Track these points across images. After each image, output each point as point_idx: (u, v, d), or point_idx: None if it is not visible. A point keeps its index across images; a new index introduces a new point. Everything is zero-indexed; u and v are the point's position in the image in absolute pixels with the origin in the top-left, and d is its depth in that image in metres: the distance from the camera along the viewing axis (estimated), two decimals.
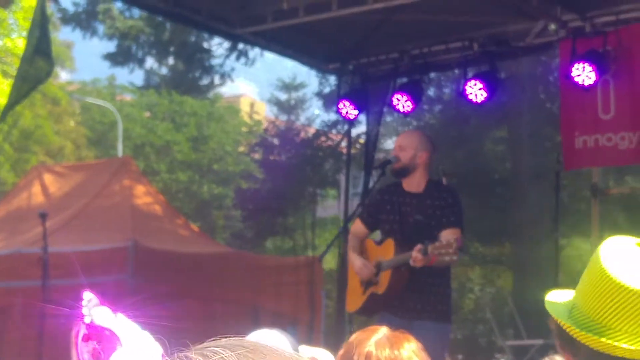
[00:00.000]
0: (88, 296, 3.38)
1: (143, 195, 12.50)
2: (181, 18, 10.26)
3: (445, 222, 6.79)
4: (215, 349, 0.92)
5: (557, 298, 2.39)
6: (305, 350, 2.04)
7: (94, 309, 3.36)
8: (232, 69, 22.04)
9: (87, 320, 3.35)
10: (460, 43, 9.62)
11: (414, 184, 7.09)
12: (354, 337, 3.13)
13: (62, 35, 30.35)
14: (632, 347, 2.14)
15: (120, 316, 3.40)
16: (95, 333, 3.35)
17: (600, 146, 8.85)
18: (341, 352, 3.08)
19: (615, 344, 2.15)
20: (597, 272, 2.22)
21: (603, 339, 2.17)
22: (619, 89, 8.65)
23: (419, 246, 6.48)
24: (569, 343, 2.26)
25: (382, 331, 3.09)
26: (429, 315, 6.90)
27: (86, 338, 3.33)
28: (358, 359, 2.97)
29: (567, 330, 2.23)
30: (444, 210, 6.92)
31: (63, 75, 35.42)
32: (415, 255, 6.48)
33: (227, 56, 21.83)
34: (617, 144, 8.73)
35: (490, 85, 9.04)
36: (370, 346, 2.99)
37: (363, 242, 7.38)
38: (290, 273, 12.06)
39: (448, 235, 6.56)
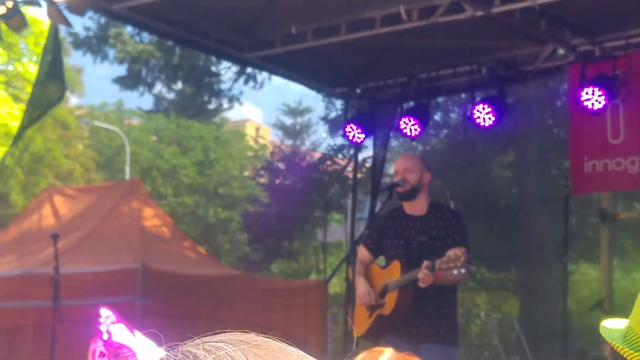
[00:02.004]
0: (105, 313, 3.41)
1: (151, 218, 12.56)
2: (190, 42, 10.32)
3: (451, 242, 6.80)
4: (218, 344, 0.90)
5: (611, 324, 2.30)
6: None
7: (111, 326, 3.40)
8: (241, 93, 22.13)
9: (104, 337, 3.38)
10: (469, 67, 9.64)
11: (418, 207, 7.12)
12: (359, 357, 3.10)
13: (73, 59, 30.49)
14: None
15: (137, 334, 3.43)
16: (112, 350, 3.38)
17: (609, 171, 8.85)
18: None
19: None
20: None
21: None
22: (629, 113, 8.66)
23: (426, 263, 6.50)
24: None
25: (388, 352, 3.06)
26: (436, 339, 6.89)
27: (102, 355, 3.36)
28: None
29: (622, 352, 2.14)
30: (449, 231, 6.95)
31: (72, 100, 35.57)
32: (424, 272, 6.50)
33: (236, 80, 21.92)
34: (626, 168, 8.73)
35: (498, 109, 9.05)
36: None
37: (368, 268, 7.39)
38: (300, 295, 12.05)
39: (455, 251, 6.57)
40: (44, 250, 10.78)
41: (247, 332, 0.96)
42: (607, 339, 2.23)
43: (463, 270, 6.36)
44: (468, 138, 18.06)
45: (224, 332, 0.95)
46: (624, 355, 2.15)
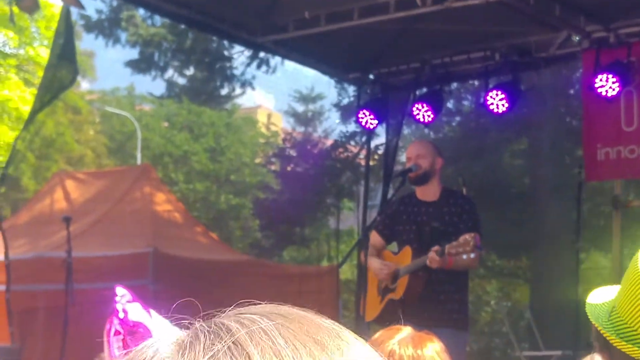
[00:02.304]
0: (121, 292, 3.40)
1: (163, 203, 12.57)
2: (204, 26, 10.31)
3: (463, 227, 6.79)
4: (254, 316, 0.87)
5: (598, 298, 2.32)
6: None
7: (127, 305, 3.39)
8: (253, 77, 22.11)
9: (120, 315, 3.37)
10: (482, 53, 9.62)
11: (430, 192, 7.12)
12: (377, 335, 3.11)
13: (85, 43, 30.48)
14: None
15: (153, 312, 3.43)
16: (128, 328, 3.38)
17: (622, 158, 8.82)
18: None
19: None
20: (634, 277, 2.14)
21: (636, 348, 2.10)
22: None
23: (436, 247, 6.51)
24: (605, 347, 2.20)
25: (406, 330, 3.08)
26: (447, 323, 6.88)
27: (118, 333, 3.35)
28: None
29: (605, 336, 2.16)
30: (461, 217, 6.95)
31: (84, 84, 35.61)
32: (432, 256, 6.50)
33: (249, 64, 21.89)
34: (639, 156, 8.70)
35: (512, 96, 9.03)
36: (393, 344, 2.97)
37: (381, 254, 7.40)
38: (313, 281, 12.07)
39: (465, 236, 6.55)
40: (56, 234, 10.81)
41: (284, 305, 0.93)
42: (591, 318, 2.22)
43: (472, 255, 6.35)
44: (481, 125, 18.01)
45: (262, 304, 0.93)
46: (612, 344, 2.14)
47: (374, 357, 0.91)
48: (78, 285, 9.35)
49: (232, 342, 0.82)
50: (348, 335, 0.91)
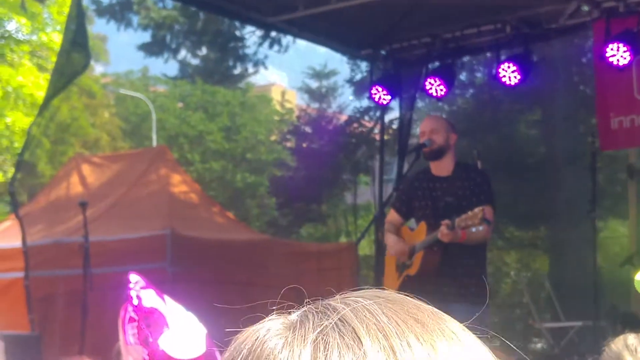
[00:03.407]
0: (134, 278, 3.44)
1: (179, 184, 12.61)
2: (214, 7, 10.33)
3: (476, 200, 6.79)
4: (357, 298, 0.93)
5: None
6: None
7: (141, 291, 3.43)
8: (266, 57, 22.11)
9: (134, 302, 3.41)
10: (493, 26, 9.61)
11: (444, 167, 7.14)
12: None
13: (97, 27, 30.58)
14: None
15: (167, 298, 3.46)
16: (143, 314, 3.42)
17: (636, 126, 8.83)
18: None
19: None
20: None
21: None
22: None
23: (446, 221, 6.53)
24: None
25: None
26: (465, 298, 6.90)
27: (132, 320, 3.40)
28: None
29: None
30: (474, 190, 6.96)
31: (97, 68, 35.68)
32: (442, 229, 6.53)
33: (260, 44, 21.88)
34: None
35: (524, 67, 9.03)
36: None
37: (399, 230, 7.43)
38: (332, 258, 12.11)
39: (475, 209, 6.56)
40: (73, 219, 10.87)
41: (385, 289, 0.98)
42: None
43: (481, 228, 6.37)
44: (494, 97, 17.97)
45: (363, 289, 0.98)
46: None
47: (478, 346, 0.95)
48: (96, 269, 9.40)
49: (339, 319, 0.88)
50: (451, 321, 0.95)
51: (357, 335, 0.86)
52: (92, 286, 9.08)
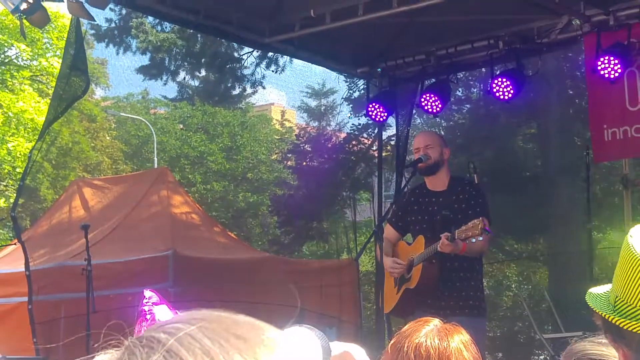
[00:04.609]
0: (149, 294, 3.53)
1: (181, 205, 12.68)
2: (212, 29, 10.43)
3: (472, 213, 6.86)
4: (177, 324, 0.93)
5: (597, 292, 2.33)
6: (338, 345, 2.07)
7: (154, 307, 3.51)
8: (263, 77, 22.21)
9: (148, 317, 3.49)
10: (486, 41, 9.71)
11: (439, 182, 7.25)
12: (406, 327, 3.14)
13: (96, 52, 30.68)
14: None
15: (180, 313, 3.55)
16: None
17: (629, 137, 8.92)
18: (392, 341, 3.09)
19: None
20: (628, 258, 2.17)
21: None
22: None
23: (445, 234, 6.61)
24: (619, 336, 2.20)
25: (434, 322, 3.14)
26: (462, 311, 6.97)
27: None
28: (408, 349, 2.99)
29: (615, 322, 2.16)
30: (469, 203, 7.05)
31: (98, 92, 35.82)
32: (443, 240, 6.60)
33: (258, 64, 21.99)
34: None
35: (517, 82, 9.14)
36: (421, 337, 3.02)
37: (395, 245, 7.52)
38: (333, 275, 12.15)
39: (474, 220, 6.63)
40: (76, 242, 10.93)
41: (200, 310, 1.00)
42: (596, 309, 2.24)
43: (481, 238, 6.44)
44: (490, 112, 18.08)
45: (177, 315, 1.00)
46: (619, 325, 2.15)
47: (294, 349, 0.99)
48: (100, 292, 9.47)
49: (166, 351, 0.90)
50: (270, 329, 1.00)
51: None
52: (95, 309, 9.13)
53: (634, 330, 2.13)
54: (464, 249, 6.66)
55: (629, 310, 2.16)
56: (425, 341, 3.01)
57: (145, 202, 12.31)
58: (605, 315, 2.19)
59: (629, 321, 2.14)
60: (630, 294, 2.16)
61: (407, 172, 8.38)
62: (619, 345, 2.23)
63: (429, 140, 7.36)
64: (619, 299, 2.20)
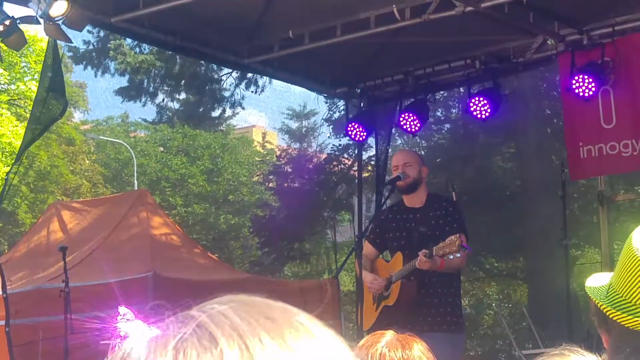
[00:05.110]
0: (123, 311, 3.55)
1: (160, 226, 12.64)
2: (190, 51, 10.46)
3: (449, 230, 6.91)
4: (212, 304, 0.99)
5: (597, 281, 2.50)
6: None
7: (128, 323, 3.52)
8: (243, 97, 22.27)
9: (122, 334, 3.51)
10: (463, 61, 9.80)
11: (417, 199, 7.29)
12: (363, 341, 3.20)
13: (74, 75, 30.69)
14: None
15: (155, 330, 3.58)
16: None
17: (604, 155, 9.01)
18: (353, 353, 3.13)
19: None
20: (628, 254, 2.32)
21: (631, 316, 2.27)
22: (619, 98, 8.83)
23: (424, 250, 6.65)
24: (604, 321, 2.37)
25: (390, 334, 3.19)
26: (441, 327, 7.01)
27: None
28: (373, 359, 3.03)
29: (602, 308, 2.34)
30: (447, 220, 7.10)
31: (77, 115, 35.77)
32: (421, 257, 6.64)
33: (237, 85, 22.05)
34: (620, 151, 8.89)
35: (494, 101, 9.22)
36: (382, 348, 3.06)
37: (374, 262, 7.55)
38: (314, 294, 12.14)
39: (451, 237, 6.68)
40: (54, 265, 10.86)
41: (236, 294, 1.05)
42: (590, 295, 2.40)
43: (459, 255, 6.48)
44: (469, 132, 18.19)
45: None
46: (606, 313, 2.33)
47: (324, 338, 1.03)
48: (78, 315, 9.42)
49: (196, 325, 0.96)
50: (301, 314, 1.03)
51: (214, 337, 0.94)
52: (73, 331, 9.08)
53: (617, 320, 2.31)
54: (442, 265, 6.70)
55: (619, 301, 2.32)
56: (389, 351, 3.06)
57: (125, 223, 12.27)
58: (596, 301, 2.37)
59: (614, 311, 2.31)
60: (623, 285, 2.32)
61: (386, 190, 8.43)
62: (602, 331, 2.42)
63: (407, 158, 7.41)
64: (613, 289, 2.37)
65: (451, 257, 6.48)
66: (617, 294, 2.34)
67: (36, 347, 10.58)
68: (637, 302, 2.30)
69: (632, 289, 2.30)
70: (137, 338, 0.99)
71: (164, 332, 0.98)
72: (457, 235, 6.49)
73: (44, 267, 11.35)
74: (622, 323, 2.31)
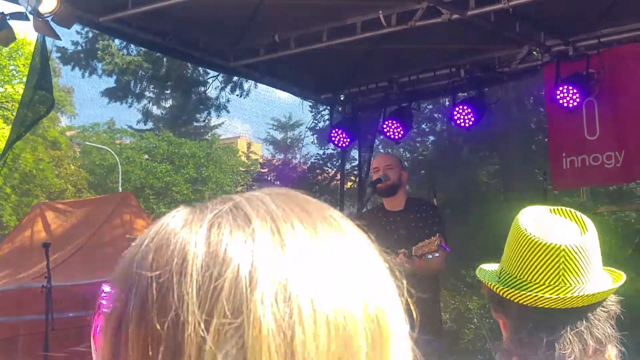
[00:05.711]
0: (107, 289, 3.55)
1: (143, 229, 12.47)
2: (178, 52, 10.47)
3: (429, 232, 6.94)
4: (253, 192, 1.03)
5: (487, 267, 2.56)
6: None
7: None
8: (228, 100, 22.26)
9: (105, 310, 3.51)
10: (448, 70, 9.84)
11: (397, 202, 7.33)
12: None
13: (62, 79, 30.60)
14: (554, 297, 2.30)
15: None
16: None
17: (587, 166, 9.04)
18: None
19: (540, 295, 2.31)
20: (516, 235, 2.40)
21: (527, 292, 2.33)
22: (603, 110, 8.87)
23: (403, 250, 6.68)
24: (500, 304, 2.41)
25: None
26: (419, 330, 7.00)
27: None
28: None
29: (497, 290, 2.39)
30: (426, 222, 7.15)
31: (64, 120, 35.72)
32: (400, 257, 6.66)
33: (222, 88, 22.05)
34: (603, 163, 8.92)
35: (478, 110, 9.25)
36: None
37: None
38: None
39: (430, 238, 6.71)
40: (37, 264, 10.87)
41: (282, 188, 1.08)
42: (482, 279, 2.46)
43: (437, 254, 6.51)
44: (453, 144, 18.23)
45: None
46: (499, 292, 2.39)
47: (356, 232, 1.06)
48: (60, 314, 9.41)
49: (233, 205, 1.00)
50: (335, 211, 1.06)
51: (248, 218, 0.98)
52: (54, 327, 9.08)
53: (513, 299, 2.35)
54: (420, 265, 6.72)
55: (513, 281, 2.38)
56: None
57: (108, 225, 12.29)
58: (489, 284, 2.42)
59: (509, 289, 2.36)
60: (514, 265, 2.39)
61: (369, 189, 8.45)
62: (499, 314, 2.45)
63: (389, 160, 7.46)
64: (504, 271, 2.43)
65: (430, 256, 6.51)
66: (511, 275, 2.40)
67: (17, 342, 10.57)
68: (532, 279, 2.35)
69: (525, 266, 2.36)
70: (177, 213, 1.02)
71: (202, 209, 1.01)
72: (437, 235, 6.53)
73: (27, 266, 11.35)
74: (520, 301, 2.35)
